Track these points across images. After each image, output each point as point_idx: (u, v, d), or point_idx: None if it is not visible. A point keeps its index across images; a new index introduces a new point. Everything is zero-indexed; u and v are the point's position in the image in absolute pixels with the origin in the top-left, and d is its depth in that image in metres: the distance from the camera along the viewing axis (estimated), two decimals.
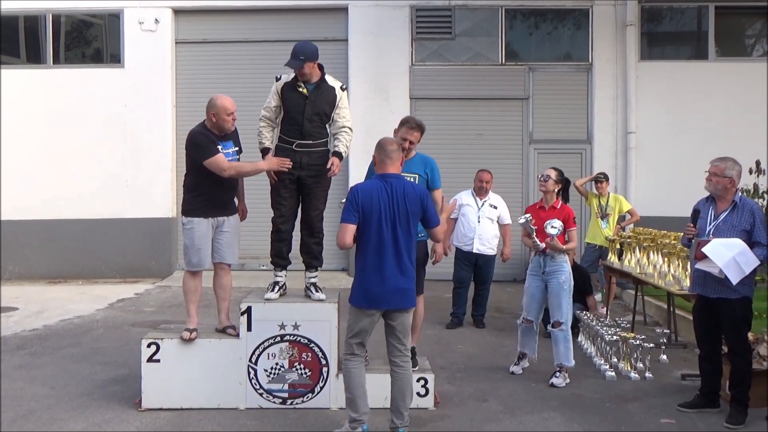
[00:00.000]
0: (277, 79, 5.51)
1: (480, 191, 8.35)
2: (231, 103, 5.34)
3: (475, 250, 8.26)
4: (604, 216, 9.30)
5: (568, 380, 5.94)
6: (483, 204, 8.31)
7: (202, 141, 5.29)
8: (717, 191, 5.16)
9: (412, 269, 4.62)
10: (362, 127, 11.08)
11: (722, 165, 5.12)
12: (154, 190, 12.03)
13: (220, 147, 5.31)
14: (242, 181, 5.71)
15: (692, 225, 5.25)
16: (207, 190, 5.38)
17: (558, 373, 5.95)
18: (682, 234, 7.49)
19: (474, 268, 8.36)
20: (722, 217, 5.12)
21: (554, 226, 5.95)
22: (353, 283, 4.65)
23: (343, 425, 4.70)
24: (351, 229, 4.52)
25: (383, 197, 4.53)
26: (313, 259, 5.59)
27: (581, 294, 7.97)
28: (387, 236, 4.51)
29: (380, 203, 4.52)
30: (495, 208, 8.30)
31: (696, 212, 5.28)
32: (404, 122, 5.54)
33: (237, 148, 5.51)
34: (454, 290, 8.44)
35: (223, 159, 5.29)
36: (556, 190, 6.21)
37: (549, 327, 6.05)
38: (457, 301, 8.39)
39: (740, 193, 5.26)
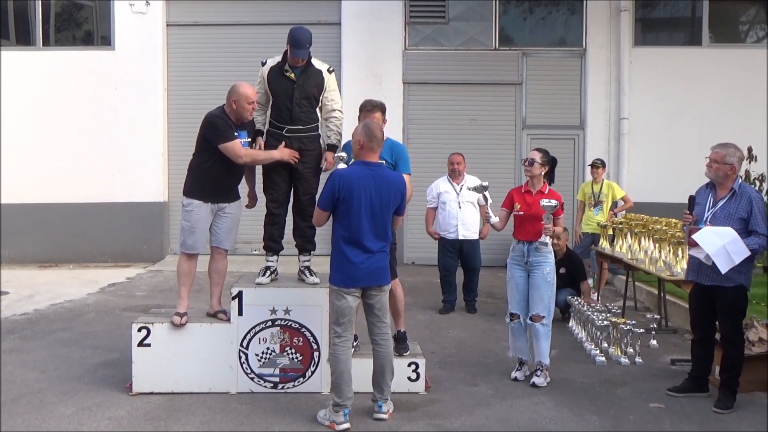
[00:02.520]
0: (263, 64, 5.49)
1: (454, 174, 8.21)
2: (253, 92, 5.31)
3: (460, 237, 8.17)
4: (596, 203, 9.29)
5: (549, 379, 5.64)
6: (461, 188, 8.14)
7: (220, 124, 5.25)
8: (717, 178, 5.12)
9: (387, 250, 4.80)
10: (354, 111, 10.93)
11: (723, 152, 5.08)
12: (146, 174, 11.96)
13: (236, 134, 5.28)
14: (254, 168, 5.67)
15: (688, 212, 5.23)
16: (214, 174, 5.34)
17: (539, 372, 5.64)
18: (673, 220, 7.56)
19: (460, 255, 8.30)
20: (720, 204, 5.11)
21: (549, 201, 5.50)
22: (332, 264, 4.75)
23: (327, 405, 4.77)
24: (326, 215, 4.75)
25: (366, 185, 4.62)
26: (306, 242, 5.59)
27: (575, 281, 8.00)
28: (366, 222, 4.63)
29: (362, 190, 4.60)
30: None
31: (692, 199, 5.27)
32: (361, 108, 5.48)
33: (250, 139, 5.45)
34: (442, 278, 8.39)
35: (239, 145, 5.27)
36: (543, 173, 5.74)
37: (528, 320, 5.69)
38: (447, 288, 8.35)
39: (740, 181, 5.21)
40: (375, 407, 4.83)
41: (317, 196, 5.58)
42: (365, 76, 11.75)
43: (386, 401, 4.84)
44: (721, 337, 5.21)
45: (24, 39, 12.44)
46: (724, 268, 4.89)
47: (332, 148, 5.47)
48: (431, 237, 8.44)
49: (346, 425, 4.64)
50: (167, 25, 12.11)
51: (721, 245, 4.88)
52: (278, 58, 5.44)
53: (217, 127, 5.25)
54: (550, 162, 5.80)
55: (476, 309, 8.32)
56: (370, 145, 4.69)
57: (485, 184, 5.78)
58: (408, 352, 5.43)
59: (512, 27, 12.24)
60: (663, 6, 12.36)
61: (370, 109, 5.42)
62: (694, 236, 5.00)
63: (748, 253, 4.91)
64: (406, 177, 5.38)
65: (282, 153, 5.32)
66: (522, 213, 5.71)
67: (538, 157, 5.73)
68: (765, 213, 5.07)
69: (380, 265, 4.74)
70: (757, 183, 9.13)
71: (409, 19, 11.99)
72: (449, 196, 8.20)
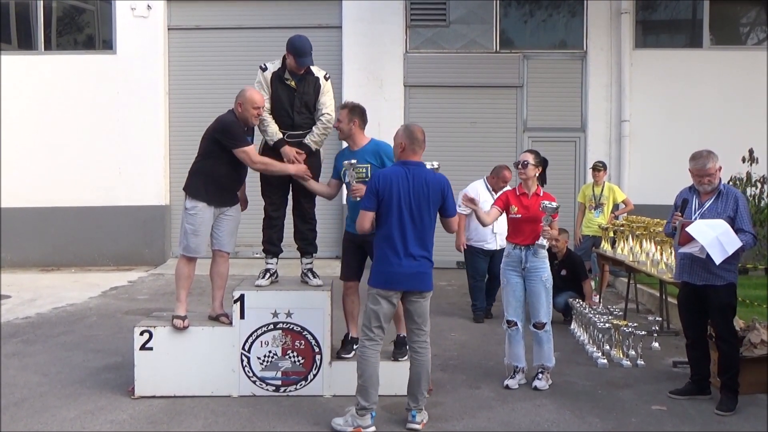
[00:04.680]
0: (263, 69, 5.46)
1: (498, 189, 7.91)
2: (261, 99, 5.30)
3: (497, 248, 7.87)
4: (597, 206, 9.29)
5: (550, 381, 5.64)
6: None
7: (236, 129, 5.26)
8: (713, 186, 5.17)
9: (429, 254, 4.74)
10: None
11: (709, 163, 5.11)
12: (147, 178, 11.98)
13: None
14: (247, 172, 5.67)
15: (680, 214, 5.25)
16: (220, 178, 5.34)
17: (540, 375, 5.61)
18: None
19: (490, 260, 8.06)
20: (707, 205, 5.17)
21: (551, 203, 5.42)
22: (373, 266, 4.71)
23: (346, 412, 4.71)
24: (370, 216, 4.66)
25: (403, 184, 4.60)
26: (308, 245, 5.60)
27: (577, 281, 7.97)
28: (407, 222, 4.60)
29: (400, 190, 4.58)
30: None
31: (685, 201, 5.29)
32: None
33: (252, 145, 5.46)
34: (473, 284, 8.16)
35: (254, 151, 5.31)
36: (536, 174, 5.66)
37: (531, 327, 5.70)
38: (478, 294, 8.11)
39: (722, 181, 5.28)
40: (408, 417, 4.74)
41: (316, 199, 5.63)
42: (366, 79, 11.78)
43: (420, 411, 4.75)
44: (716, 337, 5.22)
45: (25, 43, 12.47)
46: (718, 259, 4.93)
47: (306, 148, 5.42)
48: (458, 248, 8.06)
49: (373, 428, 4.61)
50: (168, 28, 12.14)
51: (715, 236, 4.94)
52: (278, 64, 5.44)
53: (233, 133, 5.25)
54: (542, 163, 5.73)
55: (492, 315, 8.12)
56: (413, 147, 4.70)
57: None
58: (405, 358, 5.40)
59: (513, 30, 12.26)
60: (663, 8, 12.37)
61: (340, 108, 5.36)
62: (688, 228, 5.04)
63: (740, 244, 4.97)
64: None
65: (298, 168, 5.31)
66: (519, 216, 5.61)
67: (531, 158, 5.66)
68: (749, 212, 5.15)
69: (421, 270, 4.66)
70: (759, 185, 9.14)
71: (410, 22, 12.01)
72: (487, 206, 7.57)
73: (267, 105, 5.43)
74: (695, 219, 5.15)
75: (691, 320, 5.35)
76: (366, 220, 4.67)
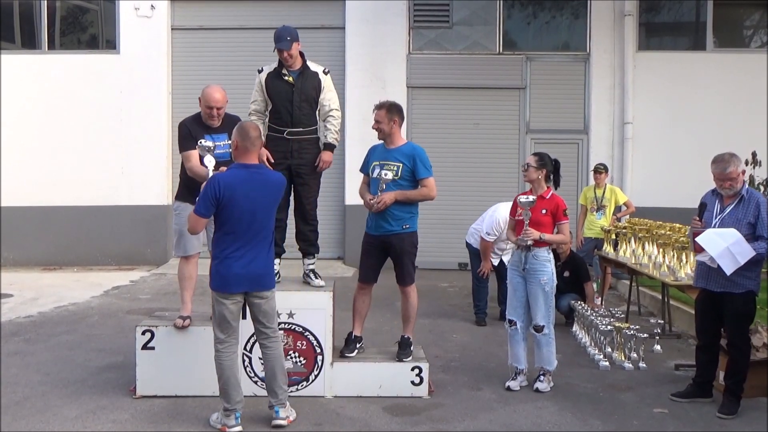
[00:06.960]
0: (260, 72, 5.55)
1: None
2: (219, 98, 5.27)
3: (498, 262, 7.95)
4: (599, 208, 9.29)
5: (552, 383, 5.63)
6: None
7: (182, 132, 5.38)
8: (735, 190, 5.09)
9: (272, 253, 4.78)
10: (358, 115, 11.06)
11: (731, 167, 5.03)
12: (150, 177, 11.99)
13: (204, 140, 5.20)
14: None
15: (698, 218, 5.22)
16: (194, 178, 5.35)
17: (542, 377, 5.62)
18: (677, 225, 7.55)
19: (500, 265, 8.01)
20: (728, 210, 5.09)
21: (527, 197, 5.52)
22: (214, 270, 4.64)
23: (214, 413, 4.78)
24: (204, 221, 4.60)
25: (246, 188, 4.53)
26: (309, 246, 5.61)
27: (579, 282, 7.97)
28: (254, 224, 4.58)
29: (246, 193, 4.52)
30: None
31: (703, 205, 5.24)
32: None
33: (230, 142, 5.45)
34: (477, 284, 8.12)
35: (189, 156, 5.28)
36: (540, 177, 5.67)
37: (531, 329, 5.69)
38: (483, 296, 8.09)
39: (746, 186, 5.20)
40: (272, 414, 4.75)
41: (318, 200, 5.65)
42: (369, 80, 11.78)
43: (283, 406, 4.75)
44: (728, 343, 5.19)
45: (29, 42, 12.48)
46: (729, 270, 4.87)
47: (329, 147, 5.52)
48: (484, 274, 7.96)
49: (238, 428, 4.66)
50: (172, 28, 12.14)
51: (725, 246, 4.87)
52: (274, 65, 5.51)
53: (179, 135, 5.40)
54: (548, 165, 5.73)
55: (487, 313, 8.09)
56: (244, 145, 4.58)
57: (527, 200, 5.48)
58: (410, 358, 5.41)
59: (516, 31, 12.25)
60: (667, 10, 12.35)
61: (376, 107, 5.42)
62: (698, 239, 5.00)
63: (753, 254, 4.88)
64: (430, 180, 5.39)
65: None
66: (522, 217, 5.63)
67: (532, 161, 5.73)
68: None
69: (262, 272, 4.65)
70: (761, 188, 9.12)
71: (413, 23, 12.01)
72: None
73: (255, 107, 5.54)
74: (716, 223, 5.08)
75: (706, 325, 5.31)
76: (199, 224, 4.60)
